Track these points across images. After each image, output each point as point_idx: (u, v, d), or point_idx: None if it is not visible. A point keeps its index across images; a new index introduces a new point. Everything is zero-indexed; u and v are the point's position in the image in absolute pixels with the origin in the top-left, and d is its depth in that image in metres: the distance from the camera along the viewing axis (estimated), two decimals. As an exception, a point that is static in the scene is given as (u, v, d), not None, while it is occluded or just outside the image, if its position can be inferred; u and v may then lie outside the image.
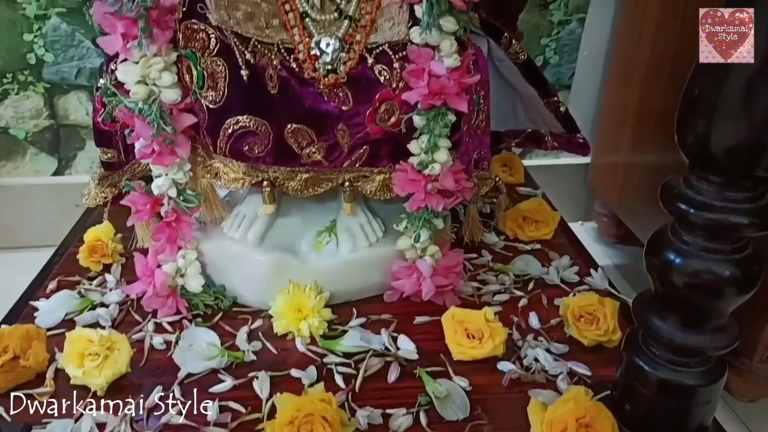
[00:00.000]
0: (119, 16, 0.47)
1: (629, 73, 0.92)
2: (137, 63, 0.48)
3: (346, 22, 0.51)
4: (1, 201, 1.02)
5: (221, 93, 0.50)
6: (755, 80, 0.33)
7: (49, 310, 0.57)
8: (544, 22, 0.99)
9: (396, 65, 0.51)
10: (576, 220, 1.13)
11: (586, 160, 1.02)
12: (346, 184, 0.55)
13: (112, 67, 0.51)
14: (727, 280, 0.35)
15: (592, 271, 0.64)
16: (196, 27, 0.49)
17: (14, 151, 1.00)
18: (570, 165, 1.09)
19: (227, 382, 0.50)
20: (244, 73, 0.49)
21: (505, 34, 0.59)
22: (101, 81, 0.52)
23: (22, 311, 0.58)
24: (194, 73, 0.50)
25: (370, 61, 0.51)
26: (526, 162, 0.96)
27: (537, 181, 0.88)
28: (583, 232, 1.11)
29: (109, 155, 0.57)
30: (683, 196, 0.35)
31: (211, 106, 0.50)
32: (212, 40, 0.49)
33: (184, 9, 0.49)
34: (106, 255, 0.64)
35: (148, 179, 0.56)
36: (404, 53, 0.50)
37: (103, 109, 0.53)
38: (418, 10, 0.49)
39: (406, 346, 0.54)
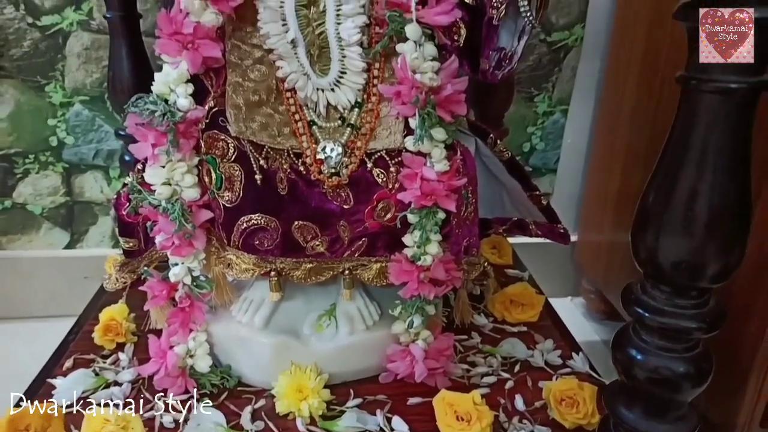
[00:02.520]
0: (150, 128, 0.53)
1: (609, 160, 0.99)
2: (164, 167, 0.54)
3: (349, 129, 0.57)
4: (11, 272, 1.06)
5: (237, 194, 0.55)
6: (694, 199, 0.37)
7: (66, 388, 0.61)
8: (530, 113, 1.07)
9: (392, 169, 0.56)
10: (565, 296, 1.17)
11: (573, 238, 1.08)
12: (346, 272, 0.60)
13: (139, 167, 0.58)
14: (682, 376, 0.40)
15: (573, 354, 0.68)
16: (216, 137, 0.55)
17: (29, 225, 1.06)
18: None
19: (232, 462, 0.53)
20: (257, 177, 0.54)
21: (491, 135, 0.66)
22: (128, 179, 0.58)
23: (39, 388, 0.62)
24: (213, 176, 0.55)
25: (369, 165, 0.56)
26: (517, 240, 1.01)
27: (527, 258, 0.92)
28: (572, 307, 1.14)
29: (131, 244, 0.62)
30: (640, 301, 0.40)
31: (227, 205, 0.56)
32: (231, 148, 0.55)
33: (207, 121, 0.55)
34: (120, 334, 0.68)
35: (164, 263, 0.61)
36: (399, 159, 0.56)
37: (128, 204, 0.58)
38: (412, 122, 0.55)
39: (400, 428, 0.57)
